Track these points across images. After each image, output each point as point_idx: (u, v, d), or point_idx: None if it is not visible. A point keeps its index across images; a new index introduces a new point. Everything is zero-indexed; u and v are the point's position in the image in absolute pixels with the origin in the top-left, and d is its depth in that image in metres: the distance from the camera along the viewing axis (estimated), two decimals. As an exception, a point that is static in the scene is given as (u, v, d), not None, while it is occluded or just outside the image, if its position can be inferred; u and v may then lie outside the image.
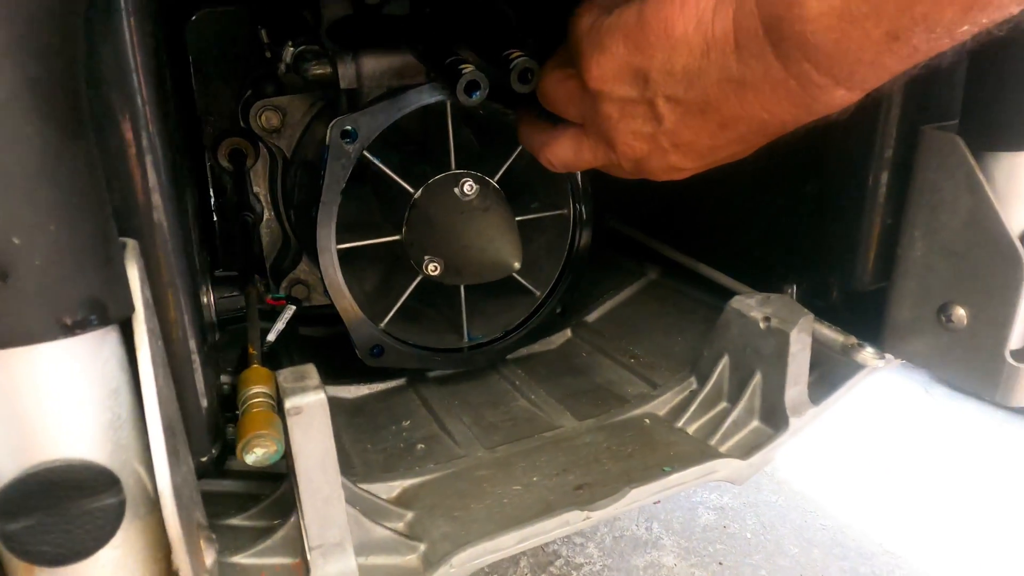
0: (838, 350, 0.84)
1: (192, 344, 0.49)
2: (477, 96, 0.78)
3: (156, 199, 0.44)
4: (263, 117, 1.11)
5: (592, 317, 1.22)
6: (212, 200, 1.21)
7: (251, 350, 0.69)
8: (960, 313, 0.73)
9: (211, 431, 0.55)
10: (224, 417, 0.61)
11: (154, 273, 0.45)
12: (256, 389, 0.60)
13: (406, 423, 0.99)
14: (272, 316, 1.06)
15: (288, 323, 1.24)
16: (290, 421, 0.56)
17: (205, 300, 0.84)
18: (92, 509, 0.36)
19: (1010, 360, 0.71)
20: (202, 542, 0.44)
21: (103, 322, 0.35)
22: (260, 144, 1.17)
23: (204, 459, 0.54)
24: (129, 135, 0.42)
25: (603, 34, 0.62)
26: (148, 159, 0.44)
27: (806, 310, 0.82)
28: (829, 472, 1.99)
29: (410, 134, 1.05)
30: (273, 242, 1.23)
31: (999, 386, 0.72)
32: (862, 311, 0.85)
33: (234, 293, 0.85)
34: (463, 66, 0.77)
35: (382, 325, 1.00)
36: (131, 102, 0.42)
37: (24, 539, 0.35)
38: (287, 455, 0.58)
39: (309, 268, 1.20)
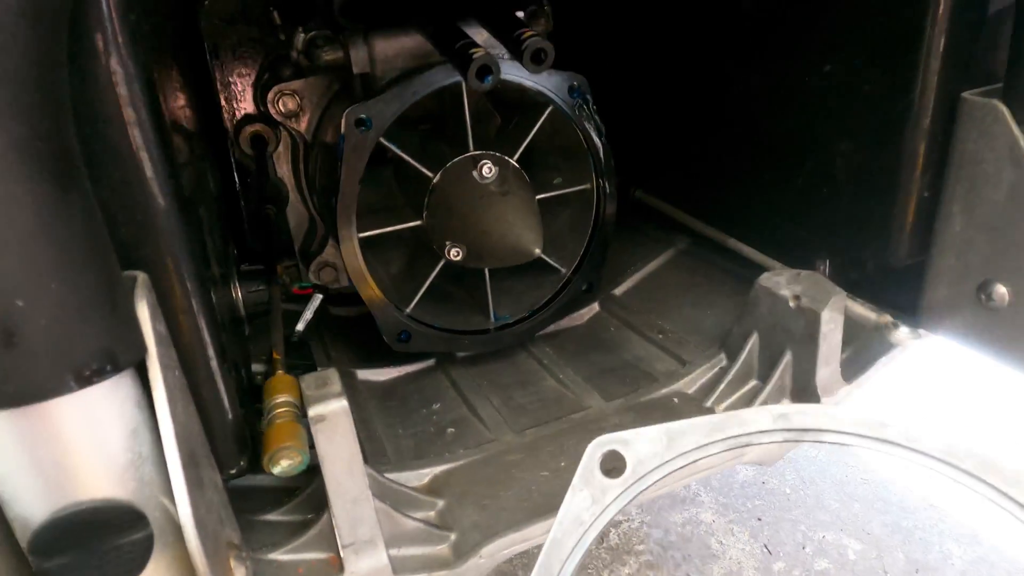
0: (871, 328, 0.81)
1: (213, 364, 0.50)
2: (490, 81, 0.76)
3: (164, 226, 0.44)
4: (280, 102, 1.10)
5: (620, 290, 1.20)
6: (237, 185, 1.21)
7: (275, 355, 0.70)
8: (1001, 291, 0.69)
9: (238, 442, 0.56)
10: (251, 425, 0.62)
11: (168, 301, 0.45)
12: (281, 399, 0.61)
13: (436, 406, 1.00)
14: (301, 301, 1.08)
15: (319, 304, 1.25)
16: (314, 429, 0.58)
17: (233, 296, 0.85)
18: (121, 545, 0.38)
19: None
20: (232, 561, 0.46)
21: (115, 370, 0.36)
22: (281, 128, 1.17)
23: (233, 471, 0.56)
24: (130, 168, 0.42)
25: None
26: (154, 187, 0.44)
27: (838, 288, 0.80)
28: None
29: (428, 111, 1.03)
30: (300, 224, 1.23)
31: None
32: (897, 285, 0.82)
33: (261, 287, 0.86)
34: (474, 50, 0.75)
35: (408, 310, 1.00)
36: (127, 135, 0.41)
37: (59, 576, 0.37)
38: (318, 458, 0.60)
39: (336, 251, 1.20)
